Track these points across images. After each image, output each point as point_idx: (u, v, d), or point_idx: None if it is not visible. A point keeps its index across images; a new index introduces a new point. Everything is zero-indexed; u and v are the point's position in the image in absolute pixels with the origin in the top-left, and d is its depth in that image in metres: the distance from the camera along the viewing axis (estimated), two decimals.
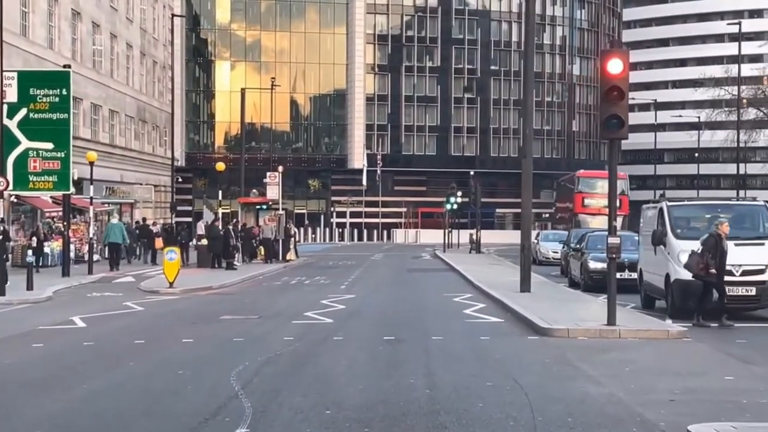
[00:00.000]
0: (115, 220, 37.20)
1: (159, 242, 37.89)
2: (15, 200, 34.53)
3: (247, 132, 67.35)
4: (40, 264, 31.26)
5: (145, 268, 34.71)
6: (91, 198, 33.45)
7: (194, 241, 39.96)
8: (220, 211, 39.88)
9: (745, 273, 16.85)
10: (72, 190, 29.93)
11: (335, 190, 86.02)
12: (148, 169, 57.22)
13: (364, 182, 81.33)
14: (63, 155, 27.95)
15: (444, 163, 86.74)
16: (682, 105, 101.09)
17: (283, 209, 43.35)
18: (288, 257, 40.94)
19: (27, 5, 39.30)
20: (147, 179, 56.79)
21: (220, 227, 35.65)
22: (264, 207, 42.91)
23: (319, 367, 11.70)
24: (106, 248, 35.65)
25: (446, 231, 57.54)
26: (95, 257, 33.93)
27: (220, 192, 41.41)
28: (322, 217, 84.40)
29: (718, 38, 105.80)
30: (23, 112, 27.22)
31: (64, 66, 30.97)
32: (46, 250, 34.76)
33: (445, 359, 12.31)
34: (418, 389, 10.14)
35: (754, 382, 10.69)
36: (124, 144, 52.93)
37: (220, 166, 43.09)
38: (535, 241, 40.98)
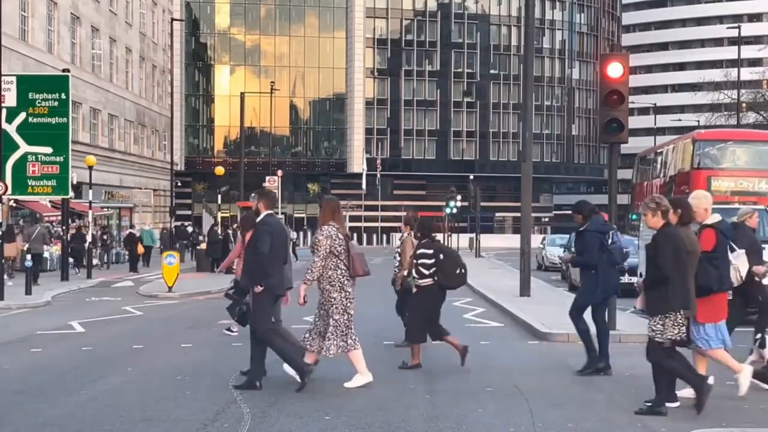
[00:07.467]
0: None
1: (142, 248, 37.30)
2: (14, 204, 34.52)
3: (246, 136, 67.34)
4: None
5: (145, 273, 34.73)
6: (90, 202, 33.47)
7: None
8: (219, 215, 39.93)
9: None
10: (71, 194, 29.89)
11: (334, 194, 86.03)
12: (147, 174, 57.21)
13: (364, 186, 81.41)
14: (62, 159, 27.92)
15: (443, 167, 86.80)
16: (682, 109, 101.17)
17: (282, 213, 43.34)
18: None
19: (26, 9, 39.29)
20: (146, 183, 56.79)
21: (219, 231, 35.64)
22: None
23: (318, 372, 11.64)
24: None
25: (446, 235, 57.51)
26: (94, 261, 33.95)
27: (219, 196, 41.45)
28: None
29: (718, 42, 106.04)
30: (22, 116, 27.18)
31: (64, 70, 30.94)
32: (45, 254, 34.72)
33: (445, 364, 12.25)
34: (418, 394, 10.10)
35: (755, 388, 10.62)
36: (124, 148, 52.91)
37: (220, 170, 43.19)
38: (541, 245, 40.45)
